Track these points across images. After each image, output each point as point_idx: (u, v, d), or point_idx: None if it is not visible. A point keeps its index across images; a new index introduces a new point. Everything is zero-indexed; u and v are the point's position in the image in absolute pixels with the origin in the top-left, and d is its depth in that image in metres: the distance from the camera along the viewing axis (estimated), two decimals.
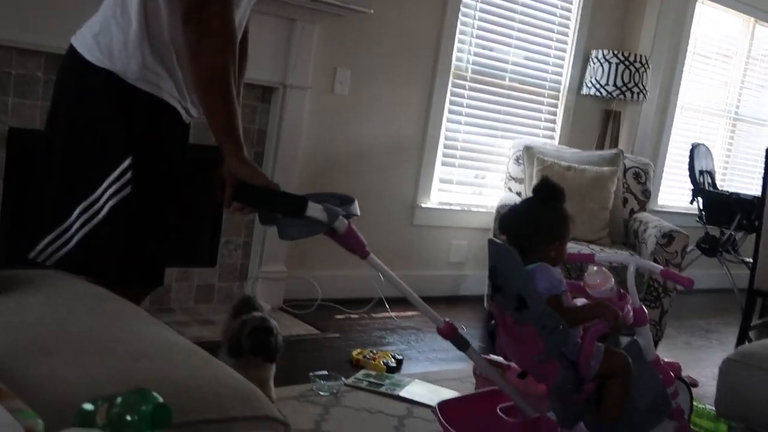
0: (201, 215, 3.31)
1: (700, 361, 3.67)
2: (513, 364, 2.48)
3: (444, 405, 2.21)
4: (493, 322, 2.19)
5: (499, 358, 2.57)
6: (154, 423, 0.90)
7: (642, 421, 2.13)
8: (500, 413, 2.12)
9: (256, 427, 1.13)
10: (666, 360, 2.31)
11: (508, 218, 2.19)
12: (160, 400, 0.92)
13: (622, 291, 2.22)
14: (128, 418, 0.91)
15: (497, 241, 2.15)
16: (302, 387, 2.57)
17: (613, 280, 2.20)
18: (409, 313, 3.74)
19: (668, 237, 3.61)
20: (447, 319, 2.06)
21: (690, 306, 4.93)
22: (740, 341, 3.68)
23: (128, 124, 1.73)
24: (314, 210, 1.74)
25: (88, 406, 0.94)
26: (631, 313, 2.14)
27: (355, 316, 3.64)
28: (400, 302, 3.76)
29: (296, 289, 3.65)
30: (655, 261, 3.49)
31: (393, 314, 3.69)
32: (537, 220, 2.10)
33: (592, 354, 1.96)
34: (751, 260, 3.81)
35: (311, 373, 2.61)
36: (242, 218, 3.41)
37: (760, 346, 2.04)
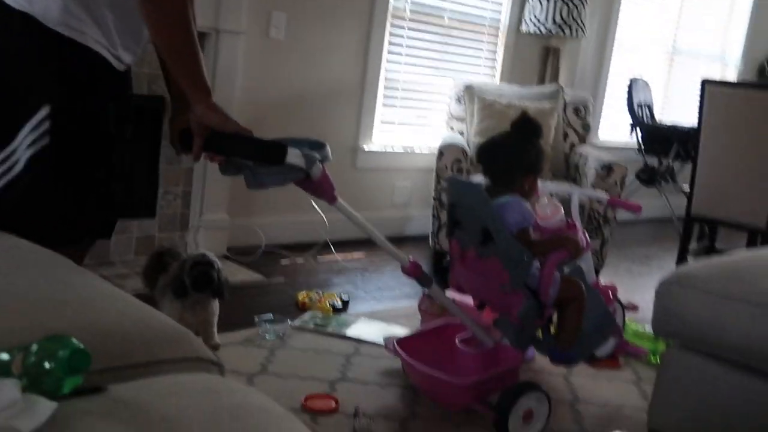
0: (138, 166, 3.23)
1: (641, 287, 3.77)
2: (458, 298, 2.52)
3: (402, 341, 2.24)
4: (448, 258, 2.21)
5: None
6: (72, 368, 0.88)
7: (589, 341, 2.22)
8: (460, 345, 2.16)
9: (187, 369, 1.12)
10: (603, 282, 2.38)
11: (488, 150, 2.19)
12: (78, 344, 0.89)
13: (570, 220, 2.27)
14: (46, 365, 0.88)
15: (460, 178, 2.18)
16: (247, 332, 2.56)
17: (562, 210, 2.25)
18: (355, 255, 3.74)
19: (607, 168, 3.66)
20: (411, 258, 2.09)
21: (630, 235, 5.04)
22: (679, 266, 3.79)
23: (47, 72, 1.65)
24: (293, 156, 1.70)
25: (4, 356, 0.91)
26: (586, 242, 2.20)
27: (301, 260, 3.62)
28: (346, 244, 3.76)
29: (239, 236, 3.61)
30: None
31: (338, 257, 3.69)
32: (518, 153, 2.13)
33: (552, 282, 2.01)
34: (688, 188, 3.90)
35: (256, 317, 2.61)
36: (180, 167, 3.35)
37: (694, 268, 2.09)
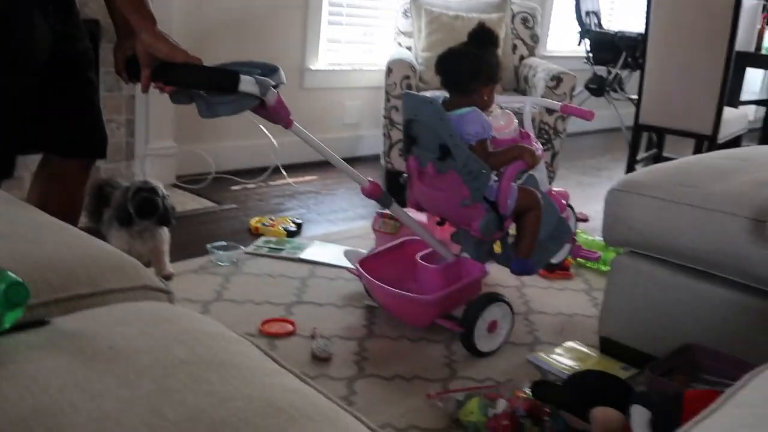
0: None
1: (591, 197, 3.81)
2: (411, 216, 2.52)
3: (363, 261, 2.25)
4: (405, 176, 2.19)
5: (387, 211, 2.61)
6: (10, 302, 0.85)
7: (546, 249, 2.26)
8: (421, 261, 2.19)
9: (134, 298, 1.09)
10: (555, 189, 2.41)
11: (447, 60, 2.15)
12: (14, 277, 0.86)
13: (523, 131, 2.27)
14: None
15: (415, 93, 2.13)
16: (201, 260, 2.54)
17: (516, 121, 2.25)
18: (307, 178, 3.71)
19: (557, 79, 3.65)
20: (370, 179, 2.07)
21: (580, 147, 5.08)
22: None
23: None
24: (247, 84, 1.66)
25: None
26: (541, 150, 2.20)
27: (252, 185, 3.58)
28: (297, 168, 3.73)
29: (188, 164, 3.54)
30: None
31: (290, 180, 3.65)
32: (477, 62, 2.10)
33: (510, 193, 2.03)
34: (636, 97, 3.92)
35: (209, 245, 2.57)
36: (121, 95, 3.24)
37: (641, 174, 2.11)
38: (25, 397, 0.73)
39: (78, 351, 0.84)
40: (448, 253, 2.21)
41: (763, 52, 4.29)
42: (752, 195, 1.81)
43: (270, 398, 0.80)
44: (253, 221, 2.94)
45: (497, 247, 2.28)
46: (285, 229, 2.88)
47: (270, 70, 1.76)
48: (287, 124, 1.88)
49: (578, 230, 2.87)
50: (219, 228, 2.95)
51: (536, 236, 2.15)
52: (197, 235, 2.80)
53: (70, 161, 1.89)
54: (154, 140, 3.38)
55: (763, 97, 5.19)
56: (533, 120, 3.54)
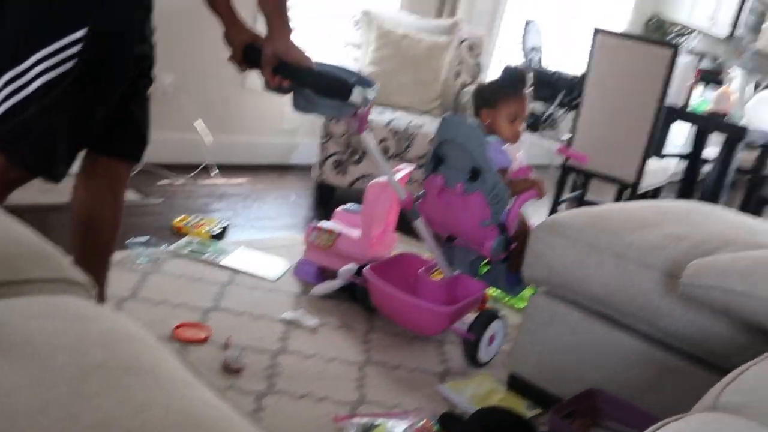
0: None
1: None
2: (344, 232, 2.55)
3: (372, 268, 2.35)
4: (423, 192, 2.36)
5: (330, 224, 2.61)
6: None
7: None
8: (424, 274, 2.36)
9: (54, 291, 1.06)
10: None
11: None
12: None
13: (522, 165, 2.46)
14: None
15: (457, 116, 2.34)
16: (119, 254, 2.45)
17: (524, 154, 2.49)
18: (237, 180, 3.66)
19: None
20: (407, 192, 2.33)
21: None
22: (551, 214, 3.93)
23: None
24: (356, 95, 1.87)
25: None
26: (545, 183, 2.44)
27: (180, 181, 3.51)
28: (228, 169, 3.68)
29: None
30: None
31: (219, 181, 3.60)
32: (478, 88, 2.45)
33: (516, 218, 2.26)
34: (567, 137, 4.03)
35: (128, 240, 2.51)
36: None
37: (567, 217, 2.15)
38: None
39: None
40: (449, 270, 2.37)
41: (689, 109, 4.46)
42: (669, 249, 1.86)
43: (188, 410, 0.79)
44: (177, 220, 2.89)
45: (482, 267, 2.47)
46: (209, 232, 2.84)
47: (367, 82, 1.97)
48: (360, 131, 2.08)
49: None
50: (141, 222, 2.88)
51: (524, 254, 2.29)
52: None
53: (117, 162, 1.84)
54: None
55: (686, 151, 5.41)
56: None
